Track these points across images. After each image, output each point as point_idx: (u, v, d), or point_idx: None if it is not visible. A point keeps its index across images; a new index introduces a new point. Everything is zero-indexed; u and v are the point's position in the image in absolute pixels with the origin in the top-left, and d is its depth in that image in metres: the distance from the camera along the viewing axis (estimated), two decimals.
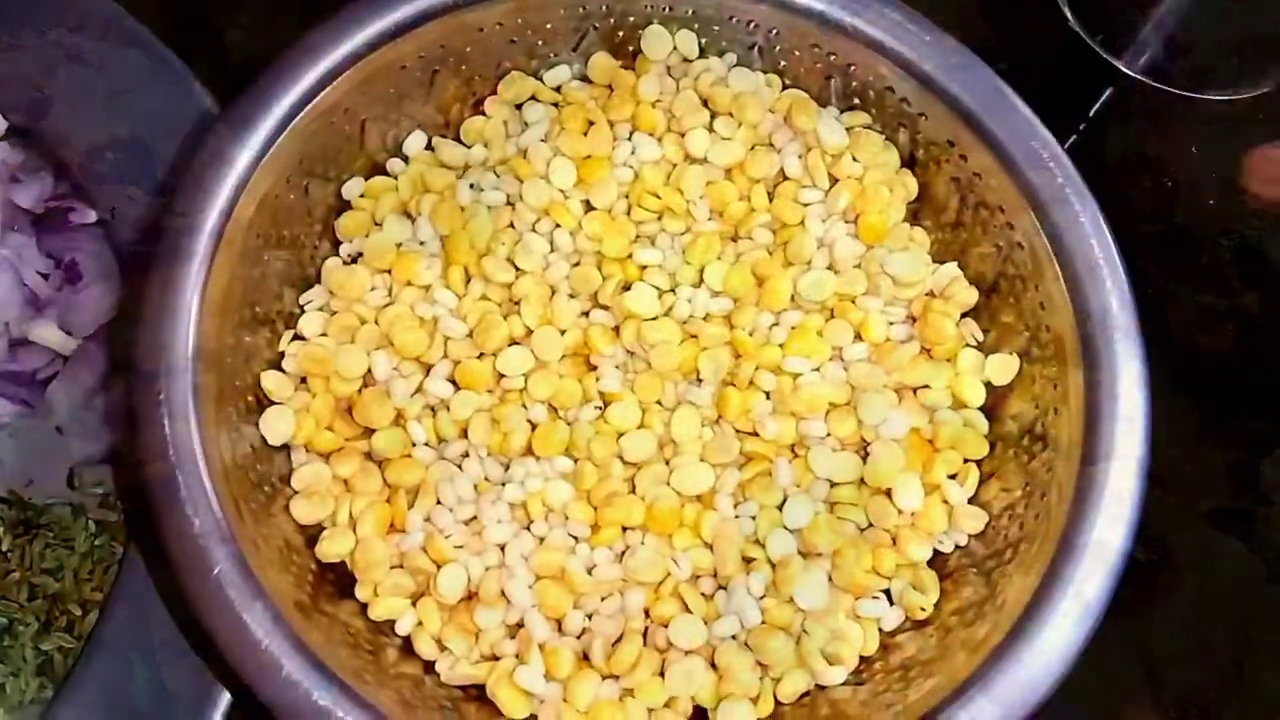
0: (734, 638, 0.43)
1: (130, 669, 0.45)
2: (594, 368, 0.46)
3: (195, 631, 0.39)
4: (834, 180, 0.48)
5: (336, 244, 0.48)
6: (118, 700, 0.44)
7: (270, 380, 0.44)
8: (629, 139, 0.50)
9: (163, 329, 0.41)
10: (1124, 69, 0.52)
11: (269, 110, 0.44)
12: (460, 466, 0.45)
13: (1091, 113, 0.57)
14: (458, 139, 0.51)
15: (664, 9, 0.50)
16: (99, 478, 0.50)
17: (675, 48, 0.50)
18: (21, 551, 0.47)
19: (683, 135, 0.49)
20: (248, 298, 0.44)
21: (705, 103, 0.50)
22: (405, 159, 0.50)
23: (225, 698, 0.43)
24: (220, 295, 0.42)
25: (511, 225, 0.48)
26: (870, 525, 0.45)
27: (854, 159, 0.48)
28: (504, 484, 0.44)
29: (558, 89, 0.51)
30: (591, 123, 0.50)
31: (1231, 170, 0.56)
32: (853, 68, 0.49)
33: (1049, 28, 0.54)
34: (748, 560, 0.44)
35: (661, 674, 0.42)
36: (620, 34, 0.51)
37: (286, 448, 0.45)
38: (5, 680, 0.46)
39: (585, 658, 0.42)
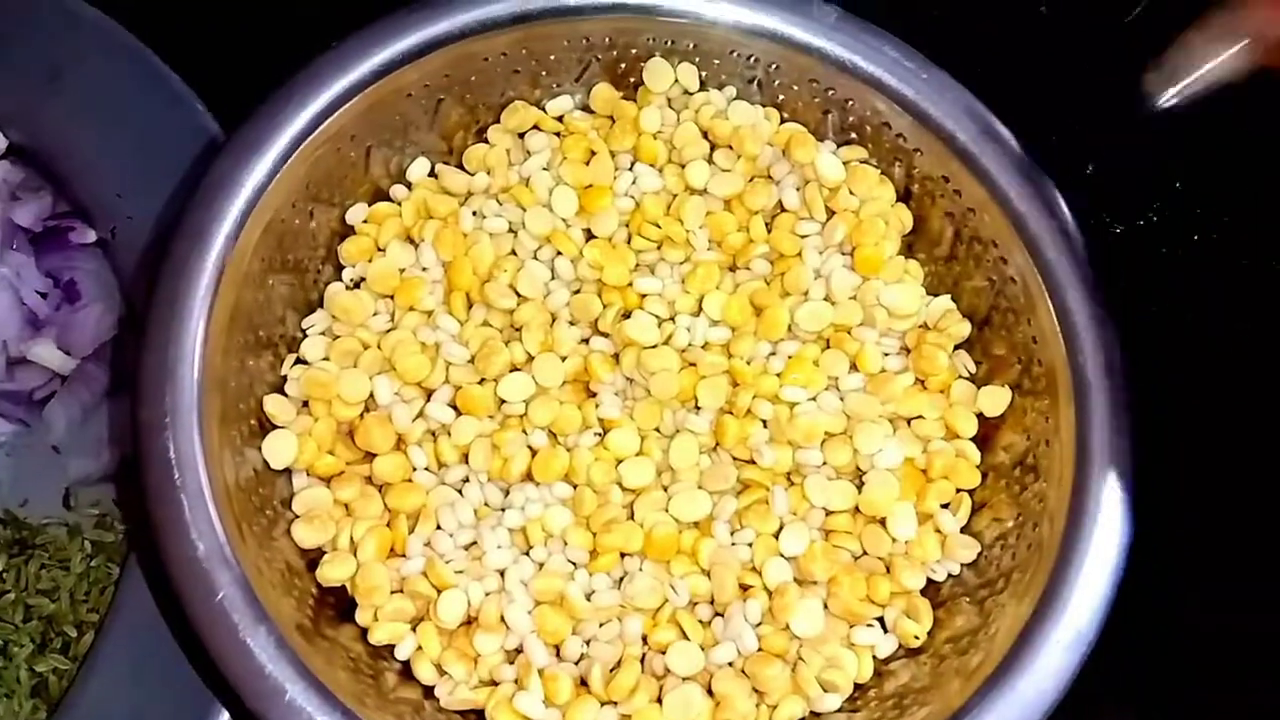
0: (730, 664, 0.43)
1: (127, 691, 0.45)
2: (593, 394, 0.47)
3: (195, 653, 0.39)
4: (831, 213, 0.49)
5: (339, 269, 0.49)
6: (110, 717, 0.44)
7: (273, 404, 0.45)
8: (630, 169, 0.50)
9: (168, 352, 0.41)
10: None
11: (277, 135, 0.45)
12: (461, 492, 0.45)
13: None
14: (460, 166, 0.51)
15: (666, 42, 0.50)
16: (96, 498, 0.50)
17: (676, 80, 0.51)
18: (17, 572, 0.47)
19: (683, 166, 0.50)
20: (251, 321, 0.44)
21: (705, 135, 0.51)
22: (409, 185, 0.50)
23: (224, 719, 0.43)
24: (225, 319, 0.43)
25: (513, 252, 0.49)
26: (865, 553, 0.45)
27: (850, 192, 0.49)
28: (504, 509, 0.45)
29: (560, 119, 0.52)
30: (593, 152, 0.50)
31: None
32: (850, 103, 0.50)
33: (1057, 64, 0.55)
34: (744, 587, 0.44)
35: (659, 700, 0.42)
36: (622, 66, 0.51)
37: (288, 471, 0.45)
38: (0, 702, 0.46)
39: (583, 684, 0.43)
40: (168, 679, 0.44)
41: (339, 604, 0.43)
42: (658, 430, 0.47)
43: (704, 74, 0.51)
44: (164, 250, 0.43)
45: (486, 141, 0.51)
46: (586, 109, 0.52)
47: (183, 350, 0.41)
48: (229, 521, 0.39)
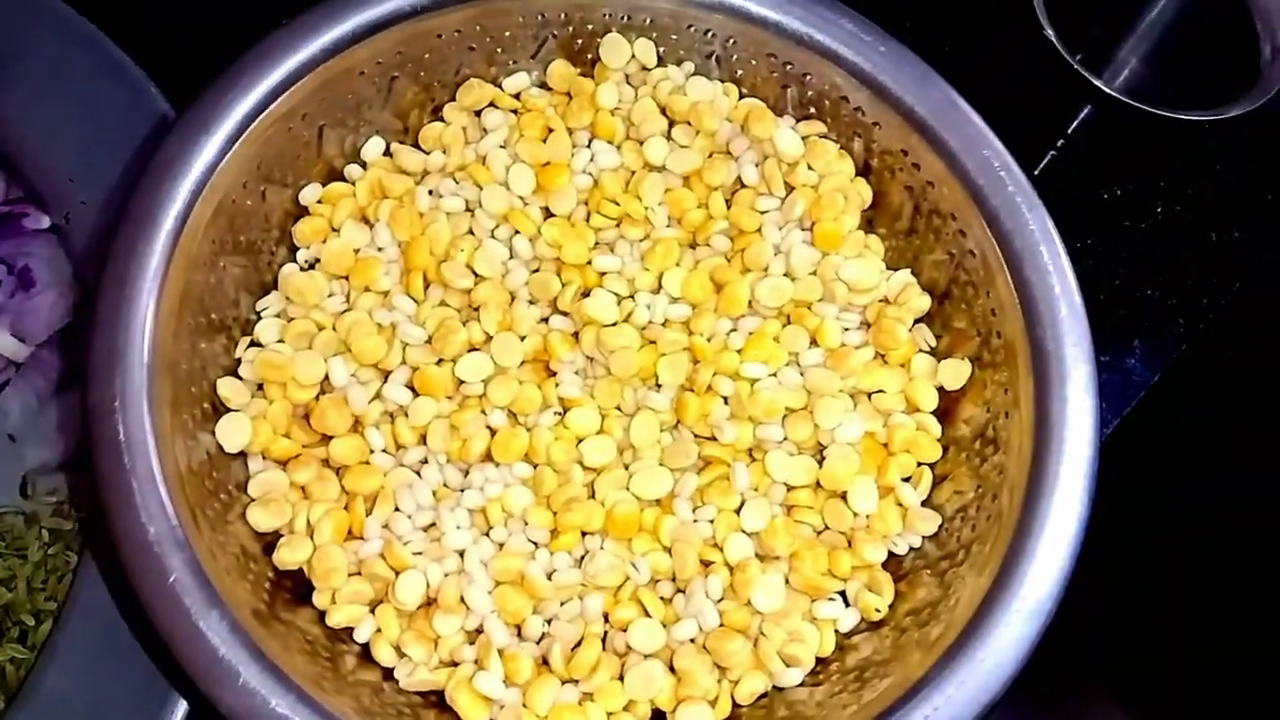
0: (692, 641, 0.43)
1: (85, 680, 0.44)
2: (553, 374, 0.47)
3: (151, 640, 0.39)
4: (790, 188, 0.49)
5: (294, 250, 0.48)
6: (72, 711, 0.44)
7: (226, 387, 0.44)
8: (588, 146, 0.50)
9: (117, 335, 0.40)
10: (1102, 86, 0.54)
11: (226, 115, 0.44)
12: (419, 473, 0.45)
13: (1070, 129, 0.58)
14: (416, 145, 0.51)
15: (622, 18, 0.50)
16: (52, 486, 0.50)
17: (634, 56, 0.51)
18: None
19: (641, 143, 0.50)
20: (204, 304, 0.44)
21: (663, 111, 0.50)
22: (363, 165, 0.50)
23: (182, 706, 0.43)
24: (176, 301, 0.42)
25: (470, 231, 0.48)
26: (826, 528, 0.45)
27: (809, 167, 0.49)
28: (463, 490, 0.44)
29: (517, 96, 0.51)
30: (550, 130, 0.50)
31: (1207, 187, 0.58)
32: (808, 77, 0.49)
33: (1027, 44, 0.55)
34: (706, 563, 0.44)
35: (621, 677, 0.42)
36: (579, 42, 0.51)
37: (243, 455, 0.44)
38: None
39: (545, 662, 0.42)
40: (126, 667, 0.44)
41: (296, 587, 0.43)
42: (618, 409, 0.46)
43: (661, 50, 0.51)
44: (113, 232, 0.42)
45: (442, 120, 0.51)
46: (544, 86, 0.52)
47: (132, 333, 0.40)
48: (181, 505, 0.39)
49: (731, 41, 0.50)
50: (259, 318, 0.47)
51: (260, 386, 0.45)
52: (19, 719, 0.44)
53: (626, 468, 0.46)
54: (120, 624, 0.44)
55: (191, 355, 0.43)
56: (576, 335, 0.47)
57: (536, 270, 0.48)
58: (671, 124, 0.50)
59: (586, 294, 0.47)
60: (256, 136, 0.45)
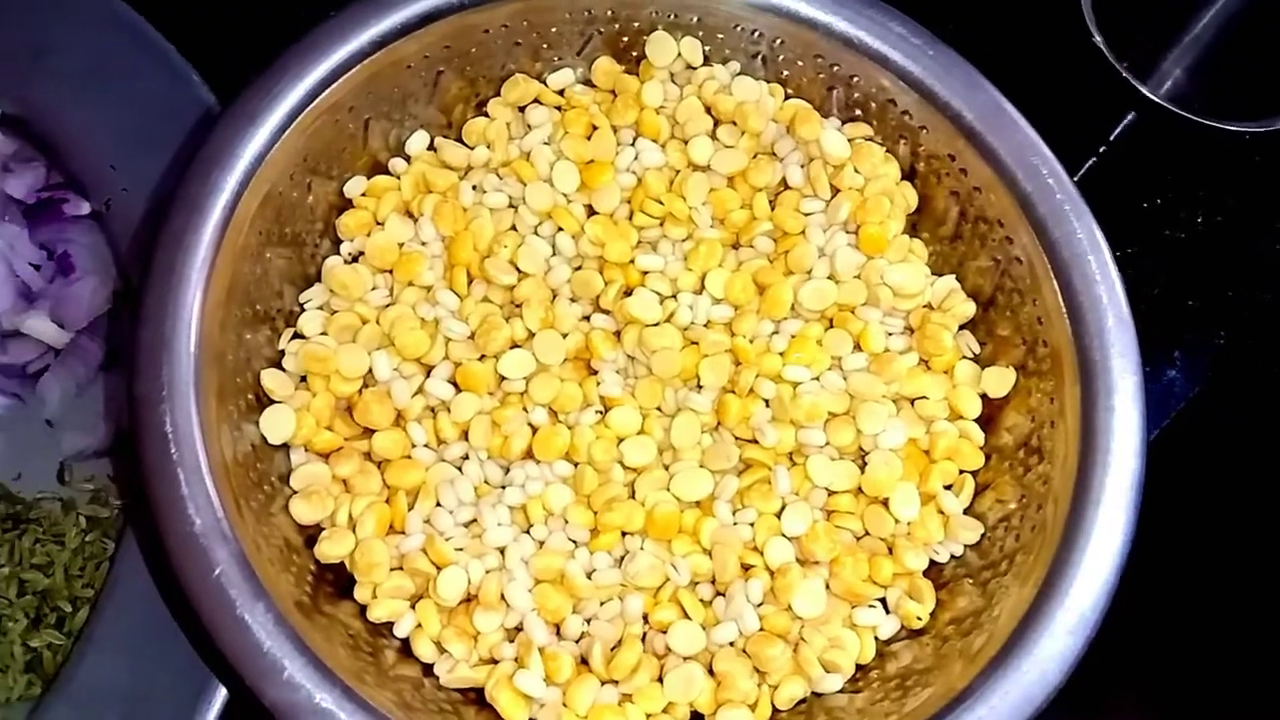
0: (731, 644, 0.43)
1: (122, 667, 0.44)
2: (594, 372, 0.46)
3: (193, 629, 0.39)
4: (835, 190, 0.49)
5: (337, 243, 0.48)
6: (109, 698, 0.44)
7: (270, 379, 0.44)
8: (632, 144, 0.50)
9: (165, 325, 0.40)
10: (1148, 94, 0.53)
11: (274, 106, 0.44)
12: (460, 469, 0.45)
13: (1112, 136, 0.58)
14: (459, 140, 0.50)
15: (669, 16, 0.50)
16: (90, 473, 0.50)
17: (680, 55, 0.50)
18: (11, 547, 0.47)
19: (686, 142, 0.49)
20: (249, 295, 0.44)
21: (708, 110, 0.50)
22: (407, 159, 0.50)
23: (221, 694, 0.43)
24: (222, 292, 0.42)
25: (513, 228, 0.48)
26: (867, 534, 0.45)
27: (855, 170, 0.49)
28: (504, 487, 0.44)
29: (561, 92, 0.51)
30: (595, 127, 0.50)
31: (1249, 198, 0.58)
32: (855, 79, 0.49)
33: (1074, 48, 0.55)
34: (746, 567, 0.44)
35: (660, 679, 0.42)
36: (624, 39, 0.51)
37: (286, 447, 0.44)
38: None
39: (584, 662, 0.42)
40: (164, 656, 0.44)
41: (338, 580, 0.43)
42: (659, 409, 0.46)
43: (707, 49, 0.51)
44: (161, 222, 0.42)
45: (486, 115, 0.51)
46: (587, 83, 0.52)
47: (179, 323, 0.40)
48: (227, 497, 0.39)
49: (779, 42, 0.50)
50: (302, 309, 0.47)
51: (303, 379, 0.45)
52: (56, 706, 0.44)
53: (666, 468, 0.45)
54: (158, 613, 0.45)
55: (237, 346, 0.43)
56: (618, 334, 0.47)
57: (579, 268, 0.48)
58: (716, 124, 0.50)
59: (628, 293, 0.47)
60: (304, 128, 0.45)
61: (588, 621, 0.43)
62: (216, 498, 0.39)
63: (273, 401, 0.44)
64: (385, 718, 0.37)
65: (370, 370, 0.45)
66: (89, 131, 0.53)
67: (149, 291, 0.41)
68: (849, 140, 0.49)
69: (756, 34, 0.50)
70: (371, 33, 0.46)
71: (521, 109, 0.51)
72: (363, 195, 0.48)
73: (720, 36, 0.50)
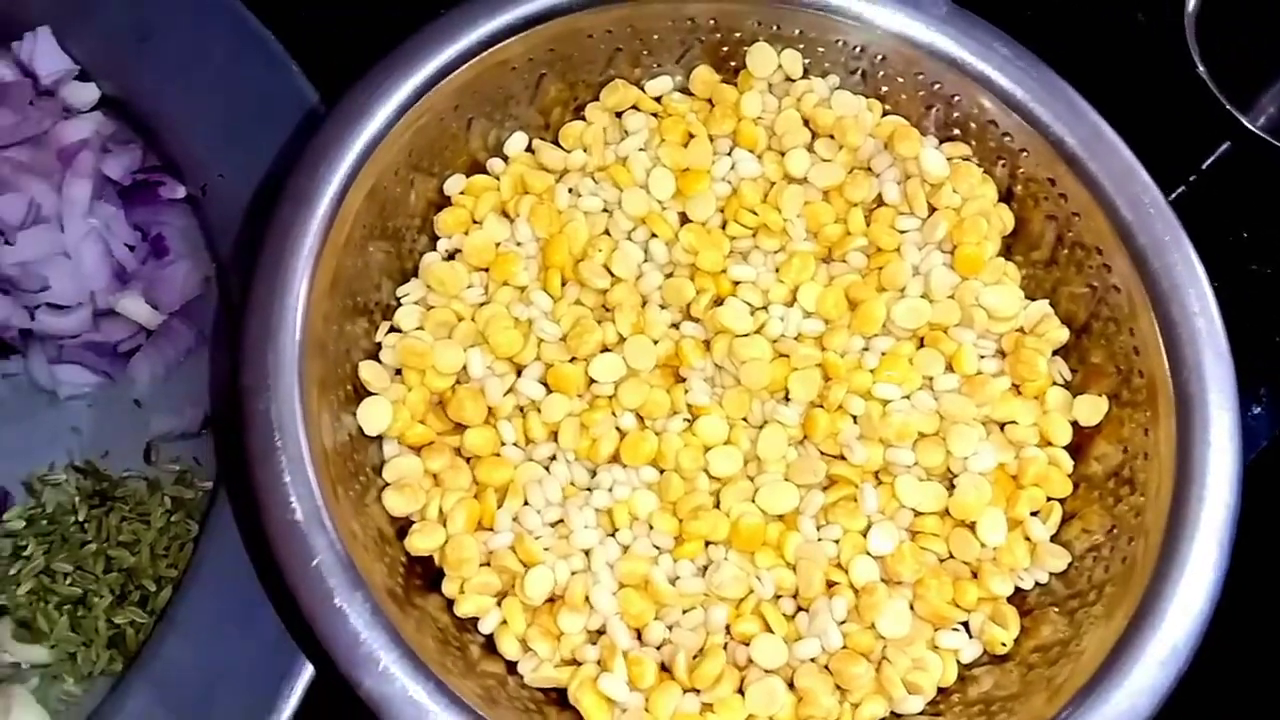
0: (813, 660, 0.43)
1: (204, 647, 0.45)
2: (681, 380, 0.47)
3: (289, 614, 0.39)
4: (932, 209, 0.49)
5: (433, 239, 0.49)
6: (190, 677, 0.44)
7: (368, 371, 0.44)
8: (729, 154, 0.50)
9: (271, 316, 0.41)
10: (1246, 124, 0.53)
11: (384, 101, 0.44)
12: (548, 469, 0.45)
13: (1204, 165, 0.57)
14: (555, 142, 0.51)
15: (772, 27, 0.50)
16: (176, 454, 0.50)
17: (780, 66, 0.50)
18: (99, 523, 0.47)
19: (782, 154, 0.49)
20: (350, 288, 0.44)
21: (806, 123, 0.50)
22: (505, 159, 0.50)
23: (303, 679, 0.43)
24: (326, 284, 0.43)
25: (606, 232, 0.48)
26: (951, 557, 0.45)
27: (953, 190, 0.48)
28: (591, 490, 0.44)
29: (658, 99, 0.51)
30: (691, 135, 0.50)
31: None
32: (956, 99, 0.49)
33: (1174, 73, 0.54)
34: (830, 584, 0.44)
35: (740, 691, 0.42)
36: (724, 49, 0.51)
37: (379, 439, 0.45)
38: (77, 650, 0.46)
39: (663, 669, 0.42)
40: (246, 638, 0.45)
41: (425, 573, 0.43)
42: (744, 420, 0.46)
43: (807, 61, 0.51)
44: (269, 214, 0.42)
45: (584, 119, 0.51)
46: (684, 90, 0.52)
47: (285, 314, 0.41)
48: (326, 486, 0.39)
49: (880, 58, 0.50)
50: (398, 304, 0.47)
51: (397, 372, 0.45)
52: (138, 683, 0.45)
53: (751, 480, 0.45)
54: (241, 596, 0.45)
55: (338, 337, 0.43)
56: (706, 343, 0.47)
57: (670, 275, 0.48)
58: (814, 137, 0.50)
59: (718, 302, 0.47)
60: (410, 125, 0.45)
61: (669, 628, 0.43)
62: (317, 486, 0.39)
63: (368, 393, 0.44)
64: (474, 712, 0.37)
65: (464, 367, 0.45)
66: (187, 116, 0.54)
67: (257, 282, 0.41)
68: (947, 159, 0.49)
69: (858, 49, 0.50)
70: (480, 32, 0.46)
71: (619, 114, 0.51)
72: (461, 194, 0.49)
73: (821, 50, 0.50)
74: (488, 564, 0.43)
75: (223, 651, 0.44)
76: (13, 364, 0.51)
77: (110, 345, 0.51)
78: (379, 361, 0.45)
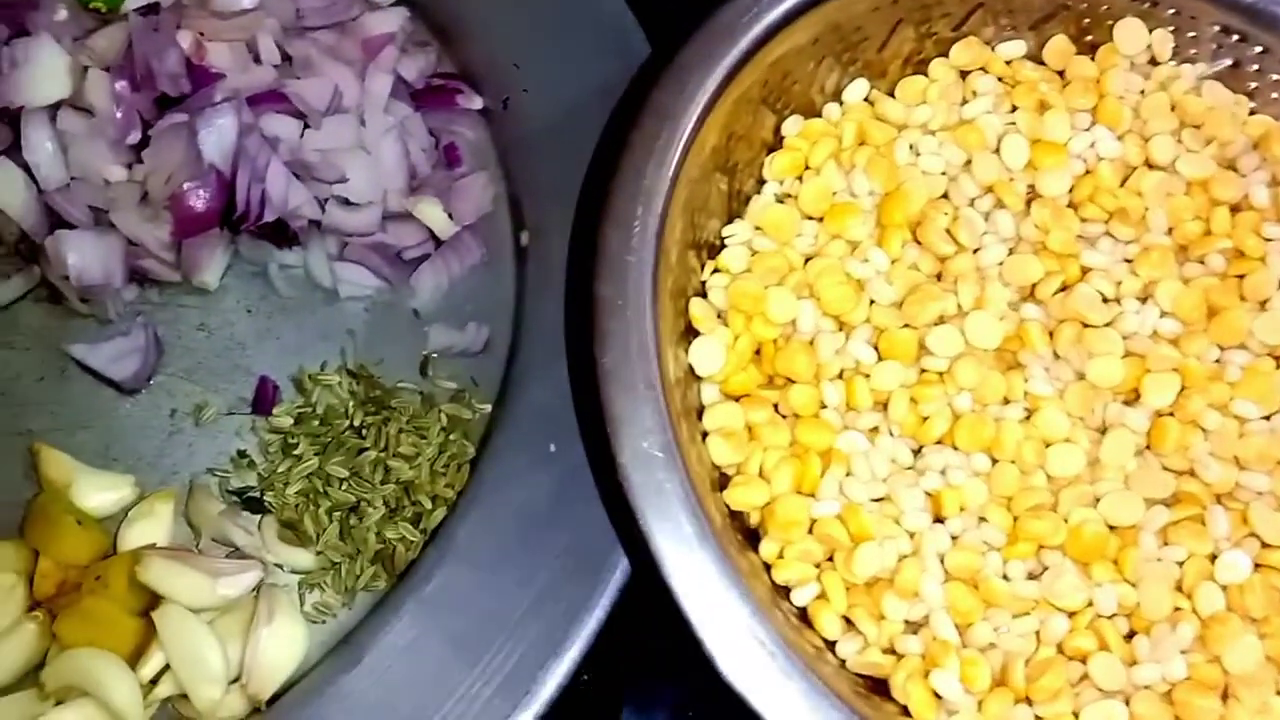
0: (1148, 688, 0.39)
1: (481, 577, 0.42)
2: (1014, 366, 0.43)
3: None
4: None
5: (759, 182, 0.45)
6: (467, 606, 0.42)
7: (698, 308, 0.41)
8: (1087, 130, 0.46)
9: (631, 235, 0.38)
10: None
11: (755, 22, 0.42)
12: (871, 441, 0.42)
13: None
14: (891, 94, 0.47)
15: (1145, 3, 0.46)
16: (453, 371, 0.48)
17: (1149, 46, 0.46)
18: (378, 431, 0.45)
19: (1146, 139, 0.45)
20: (692, 220, 0.41)
21: (1172, 108, 0.46)
22: (841, 105, 0.47)
23: (589, 624, 0.40)
24: (680, 207, 0.40)
25: (945, 196, 0.45)
26: None
27: None
28: (920, 470, 0.41)
29: (1008, 63, 0.47)
30: (1043, 105, 0.46)
31: None
32: None
33: None
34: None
35: (1074, 711, 0.38)
36: (1086, 20, 0.47)
37: (697, 381, 0.42)
38: (342, 560, 0.44)
39: None
40: (528, 576, 0.42)
41: (741, 529, 0.40)
42: (1080, 418, 0.42)
43: (1175, 45, 0.47)
44: (630, 125, 0.40)
45: (924, 74, 0.47)
46: (1033, 59, 0.48)
47: (646, 232, 0.38)
48: (675, 416, 0.37)
49: (1260, 50, 0.45)
50: (722, 244, 0.44)
51: (718, 314, 0.42)
52: (408, 602, 0.42)
53: (1089, 485, 0.41)
54: (525, 530, 0.43)
55: (679, 270, 0.40)
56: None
57: (1012, 251, 0.44)
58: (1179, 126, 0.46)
59: (1063, 287, 0.43)
60: (772, 52, 0.42)
61: (994, 630, 0.39)
62: (665, 414, 0.36)
63: (694, 331, 0.41)
64: (817, 675, 0.34)
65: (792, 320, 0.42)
66: (494, 26, 0.52)
67: (616, 193, 0.39)
68: None
69: (1237, 39, 0.46)
70: None
71: (962, 75, 0.47)
72: (797, 136, 0.45)
73: (1192, 35, 0.46)
74: (809, 531, 0.40)
75: (503, 586, 0.42)
76: (292, 256, 0.49)
77: (395, 250, 0.49)
78: (704, 299, 0.42)
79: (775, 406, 0.42)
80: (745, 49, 0.42)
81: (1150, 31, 0.46)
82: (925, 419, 0.41)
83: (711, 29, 0.41)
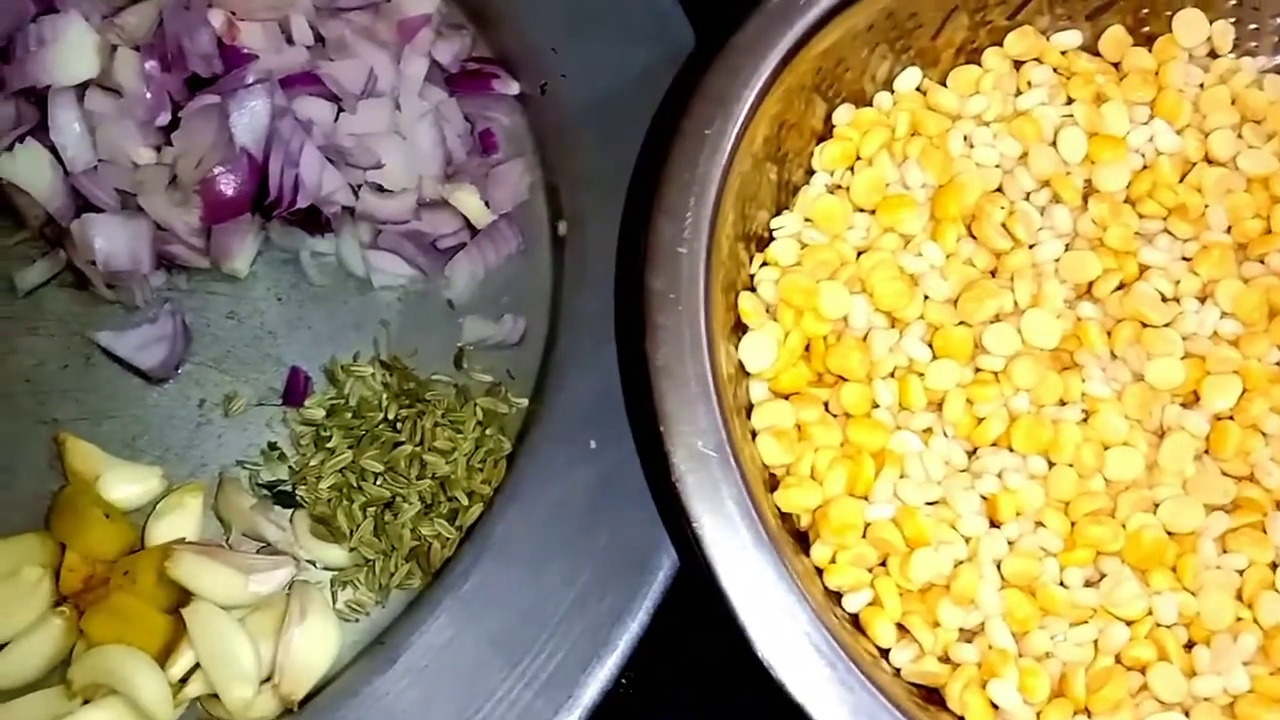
0: (1209, 700, 0.38)
1: (523, 576, 0.41)
2: (1070, 366, 0.42)
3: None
4: None
5: (808, 172, 0.44)
6: (506, 605, 0.41)
7: (747, 302, 0.40)
8: (1145, 123, 0.45)
9: (684, 224, 0.37)
10: None
11: (813, 5, 0.40)
12: (925, 442, 0.40)
13: None
14: (943, 83, 0.46)
15: None
16: (488, 364, 0.46)
17: (1209, 38, 0.45)
18: (413, 424, 0.44)
19: (1205, 134, 0.44)
20: (743, 211, 0.40)
21: (1231, 103, 0.45)
22: (892, 95, 0.45)
23: (632, 628, 0.39)
24: (732, 197, 0.39)
25: (1000, 189, 0.44)
26: None
27: None
28: (975, 473, 0.40)
29: (1063, 54, 0.46)
30: (1099, 98, 0.45)
31: None
32: None
33: None
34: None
35: None
36: (1144, 11, 0.46)
37: (746, 378, 0.40)
38: (376, 557, 0.42)
39: None
40: (570, 575, 0.41)
41: (793, 532, 0.39)
42: (1139, 421, 0.41)
43: (1235, 37, 0.45)
44: (682, 113, 0.38)
45: (977, 63, 0.46)
46: (1087, 49, 0.47)
47: (700, 221, 0.37)
48: (728, 410, 0.35)
49: None
50: (770, 236, 0.43)
51: (766, 309, 0.41)
52: (444, 600, 0.41)
53: (1147, 489, 0.40)
54: (565, 529, 0.41)
55: (730, 264, 0.39)
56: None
57: (1068, 247, 0.43)
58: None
59: (1120, 286, 0.42)
60: (827, 37, 0.41)
61: (1051, 639, 0.38)
62: (719, 412, 0.35)
63: (744, 326, 0.40)
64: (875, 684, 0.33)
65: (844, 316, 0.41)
66: (530, 9, 0.50)
67: (668, 183, 0.37)
68: None
69: None
70: None
71: (1016, 65, 0.46)
72: (848, 125, 0.44)
73: (1253, 27, 0.45)
74: (863, 535, 0.38)
75: (543, 584, 0.41)
76: (324, 243, 0.47)
77: (430, 238, 0.48)
78: (753, 292, 0.41)
79: (825, 405, 0.41)
80: (801, 33, 0.40)
81: (1210, 23, 0.45)
82: (981, 420, 0.40)
83: (766, 13, 0.40)
